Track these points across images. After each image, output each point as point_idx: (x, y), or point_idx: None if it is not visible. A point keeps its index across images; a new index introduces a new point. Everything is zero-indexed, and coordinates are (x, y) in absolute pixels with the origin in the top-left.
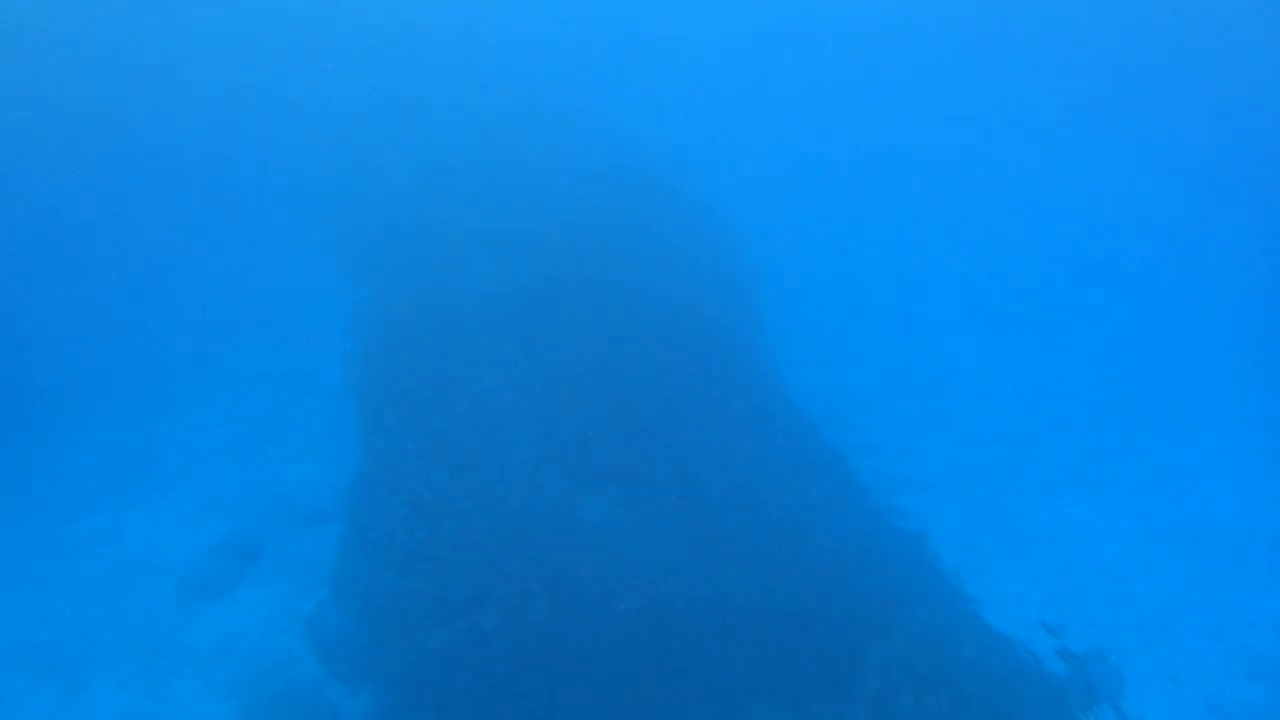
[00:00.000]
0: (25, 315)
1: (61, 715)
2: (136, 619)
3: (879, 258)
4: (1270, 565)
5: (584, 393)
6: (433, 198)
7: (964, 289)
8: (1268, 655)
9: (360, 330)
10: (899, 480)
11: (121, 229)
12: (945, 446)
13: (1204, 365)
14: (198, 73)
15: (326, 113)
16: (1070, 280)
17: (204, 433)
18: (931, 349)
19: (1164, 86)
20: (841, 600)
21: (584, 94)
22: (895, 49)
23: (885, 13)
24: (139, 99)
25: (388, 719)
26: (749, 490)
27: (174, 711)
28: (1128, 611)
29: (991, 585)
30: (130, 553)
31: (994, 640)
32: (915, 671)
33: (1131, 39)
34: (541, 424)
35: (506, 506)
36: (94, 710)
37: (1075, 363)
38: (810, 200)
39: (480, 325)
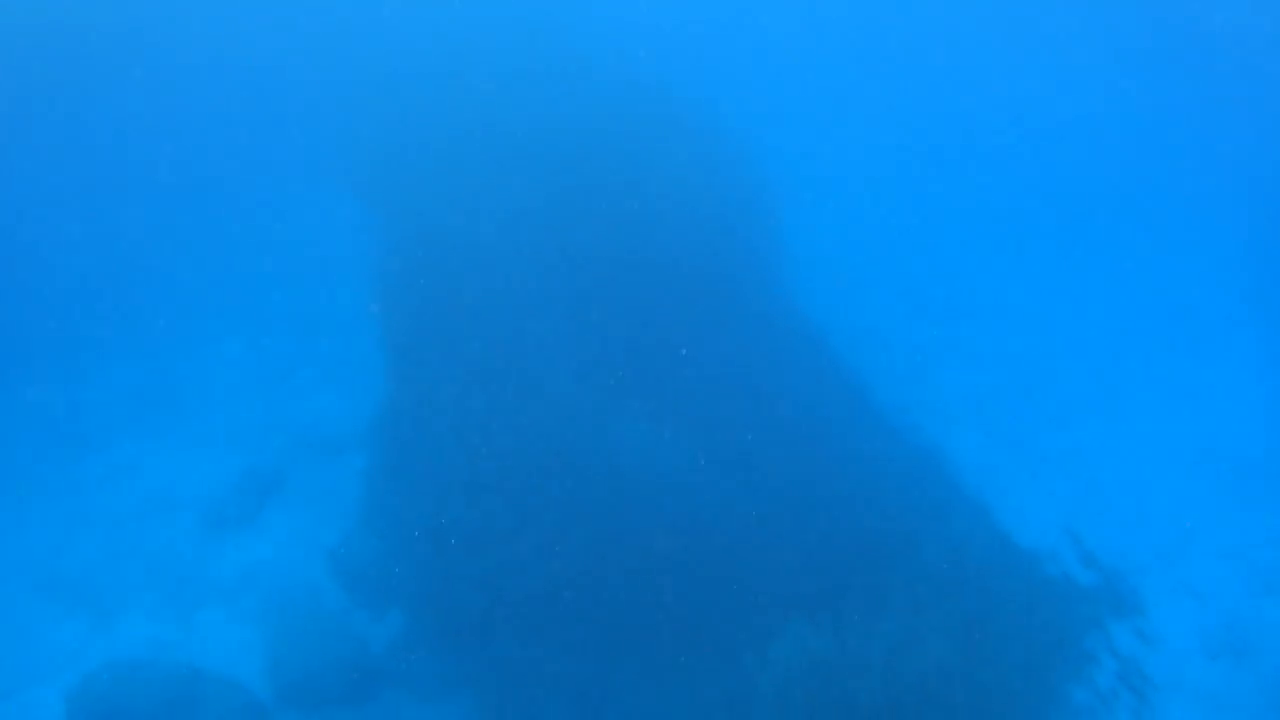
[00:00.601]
0: (45, 249)
1: (91, 643)
2: (161, 550)
3: (896, 180)
4: None
5: (611, 315)
6: (453, 125)
7: (981, 211)
8: None
9: (384, 259)
10: (916, 404)
11: (143, 161)
12: (962, 370)
13: (1224, 285)
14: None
15: (346, 44)
16: (1089, 202)
17: (225, 366)
18: (948, 272)
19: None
20: (867, 517)
21: (602, 10)
22: None
23: None
24: (159, 27)
25: (417, 647)
26: (771, 412)
27: (201, 640)
28: (1147, 531)
29: (1011, 506)
30: (153, 485)
31: (1017, 553)
32: (943, 581)
33: None
34: (573, 346)
35: (544, 430)
36: (123, 638)
37: (1093, 284)
38: (829, 121)
39: (505, 251)
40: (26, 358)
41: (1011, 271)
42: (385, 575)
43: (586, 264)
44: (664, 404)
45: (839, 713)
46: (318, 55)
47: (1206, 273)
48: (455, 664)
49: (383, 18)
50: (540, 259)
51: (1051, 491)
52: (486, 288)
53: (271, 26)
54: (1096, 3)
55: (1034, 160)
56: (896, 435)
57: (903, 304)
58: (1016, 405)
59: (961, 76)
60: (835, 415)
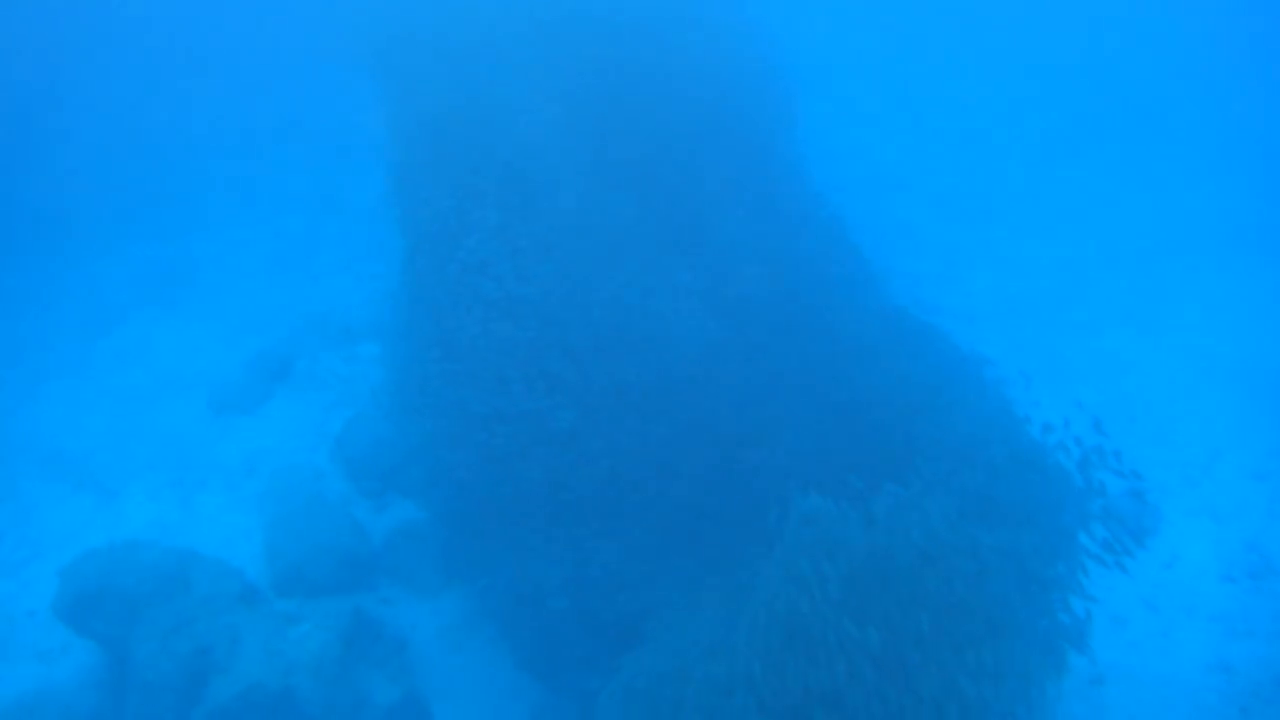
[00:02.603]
0: (63, 124)
1: (94, 523)
2: (167, 432)
3: (932, 78)
4: None
5: (649, 195)
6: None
7: (1019, 112)
8: None
9: (410, 141)
10: (944, 310)
11: (164, 40)
12: (993, 276)
13: (1268, 194)
14: None
15: None
16: (1131, 107)
17: (241, 247)
18: (983, 175)
19: None
20: (887, 406)
21: None
22: None
23: None
24: None
25: (420, 540)
26: (801, 302)
27: (202, 522)
28: (1173, 449)
29: (1035, 413)
30: (162, 366)
31: (1036, 461)
32: (956, 470)
33: None
34: (607, 227)
35: (582, 305)
36: (125, 518)
37: (1132, 192)
38: (862, 14)
39: (537, 131)
40: (46, 233)
41: (1049, 176)
42: (392, 466)
43: (621, 145)
44: (696, 292)
45: (843, 563)
46: None
47: (1252, 183)
48: (459, 556)
49: None
50: (574, 137)
51: (1077, 402)
52: (519, 166)
53: None
54: None
55: (1078, 63)
56: (923, 333)
57: (934, 207)
58: (1047, 312)
59: None
60: (863, 309)
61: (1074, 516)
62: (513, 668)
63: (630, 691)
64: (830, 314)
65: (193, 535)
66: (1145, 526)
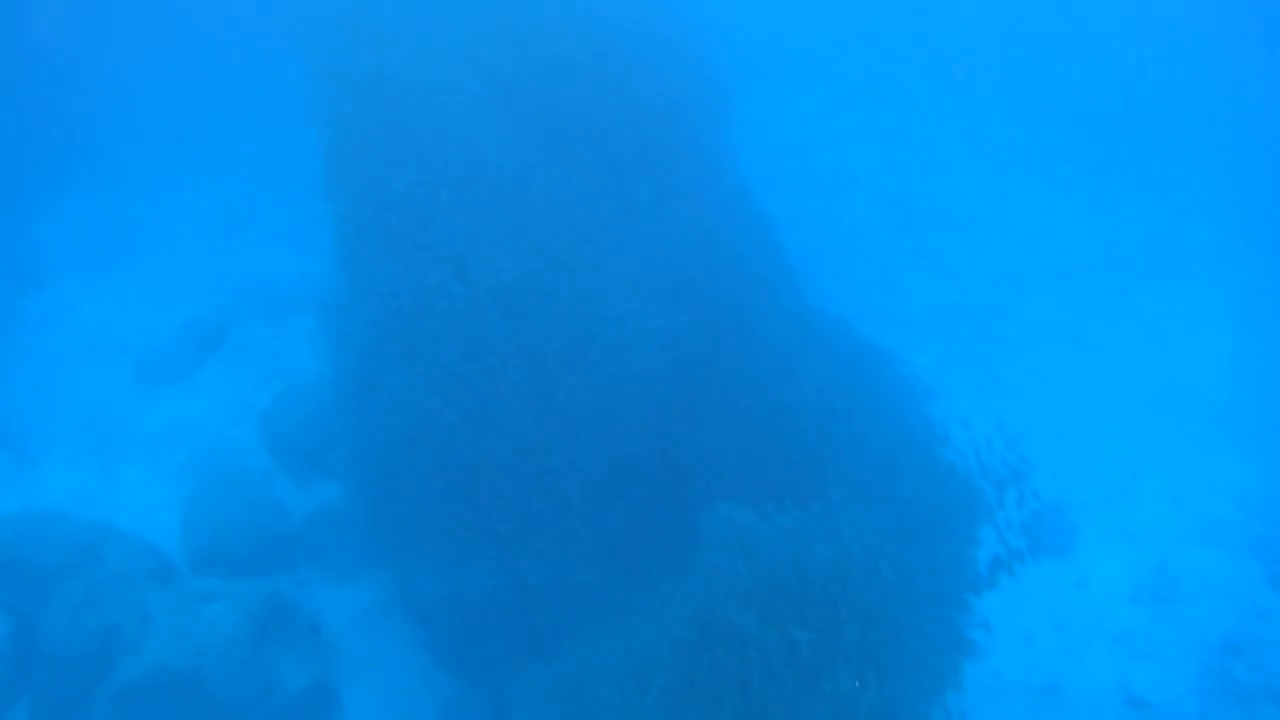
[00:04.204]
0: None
1: (10, 490)
2: (92, 398)
3: (880, 78)
4: (1244, 431)
5: (583, 181)
6: None
7: (969, 119)
8: (1224, 522)
9: (352, 115)
10: (879, 316)
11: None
12: (932, 283)
13: (1208, 223)
14: None
15: None
16: (1081, 118)
17: (178, 212)
18: (928, 181)
19: None
20: (810, 413)
21: None
22: None
23: None
24: None
25: (341, 523)
26: (728, 304)
27: (121, 492)
28: (1093, 468)
29: (958, 427)
30: (91, 329)
31: (954, 474)
32: (873, 483)
33: None
34: (549, 210)
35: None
36: (43, 486)
37: (1077, 207)
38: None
39: (481, 111)
40: None
41: (992, 185)
42: (319, 445)
43: (557, 133)
44: (656, 289)
45: (758, 564)
46: None
47: (1193, 207)
48: (381, 543)
49: None
50: (515, 119)
51: (1002, 419)
52: (464, 149)
53: None
54: None
55: (1032, 70)
56: (846, 339)
57: (875, 211)
58: (980, 323)
59: None
60: (783, 312)
61: (982, 534)
62: (426, 657)
63: (552, 684)
64: (751, 316)
65: (111, 506)
66: (1050, 546)
